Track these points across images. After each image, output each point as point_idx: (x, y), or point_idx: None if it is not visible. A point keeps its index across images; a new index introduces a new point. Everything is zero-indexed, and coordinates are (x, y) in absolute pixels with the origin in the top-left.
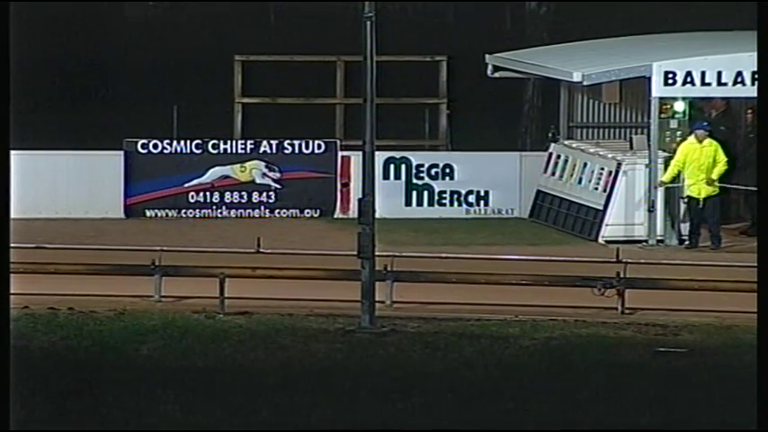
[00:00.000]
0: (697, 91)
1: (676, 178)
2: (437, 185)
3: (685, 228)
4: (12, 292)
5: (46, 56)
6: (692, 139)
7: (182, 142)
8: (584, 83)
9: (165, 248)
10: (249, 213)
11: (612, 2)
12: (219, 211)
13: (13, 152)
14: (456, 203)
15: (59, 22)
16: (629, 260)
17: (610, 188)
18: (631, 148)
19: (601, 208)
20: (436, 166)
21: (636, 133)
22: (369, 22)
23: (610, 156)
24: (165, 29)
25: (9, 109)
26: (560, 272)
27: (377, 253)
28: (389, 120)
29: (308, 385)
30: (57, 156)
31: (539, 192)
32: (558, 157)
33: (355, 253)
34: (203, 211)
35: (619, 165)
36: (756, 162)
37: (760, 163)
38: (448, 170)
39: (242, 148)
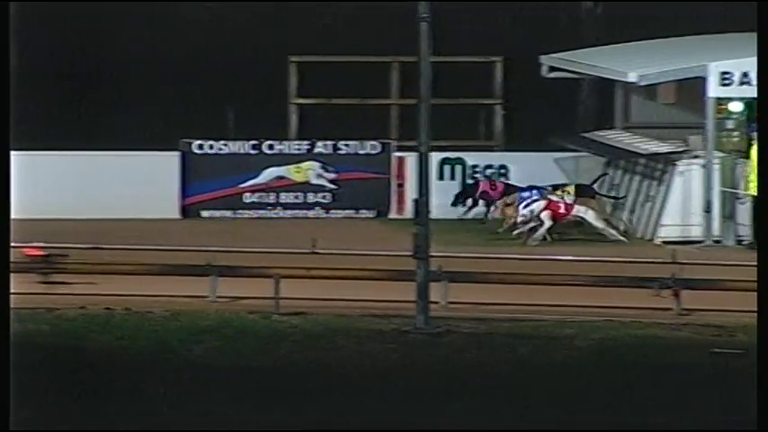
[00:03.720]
0: (753, 91)
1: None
2: None
3: (742, 228)
4: (68, 292)
5: (101, 57)
6: None
7: (237, 143)
8: (640, 83)
9: (220, 249)
10: (304, 214)
11: (669, 1)
12: (275, 211)
13: (73, 153)
14: None
15: (117, 22)
16: (686, 261)
17: (666, 189)
18: None
19: (657, 208)
20: (491, 166)
21: (692, 134)
22: (424, 23)
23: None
24: (220, 29)
25: (9, 109)
26: (616, 272)
27: (432, 253)
28: (444, 120)
29: (363, 386)
30: (114, 156)
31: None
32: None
33: (410, 253)
34: (259, 211)
35: (675, 165)
36: (757, 162)
37: (760, 163)
38: (503, 171)
39: (297, 149)
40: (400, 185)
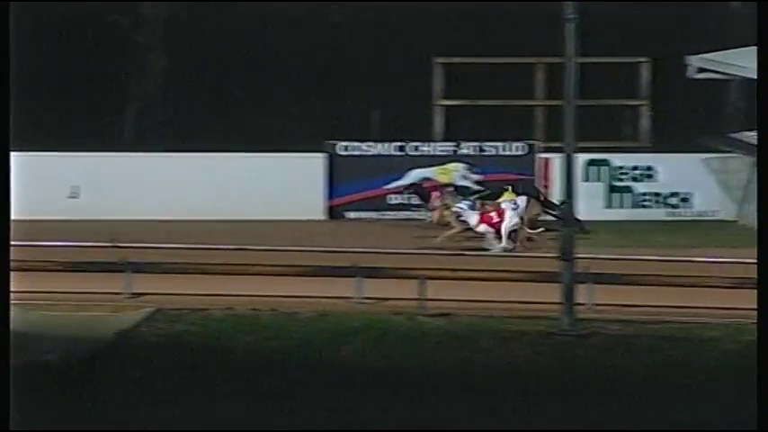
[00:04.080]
0: None
1: None
2: (638, 187)
3: None
4: (216, 293)
5: (247, 60)
6: None
7: (382, 144)
8: None
9: (365, 250)
10: None
11: None
12: (420, 212)
13: (220, 155)
14: (658, 205)
15: (263, 25)
16: None
17: None
18: None
19: None
20: (637, 167)
21: None
22: (570, 24)
23: None
24: (366, 31)
25: (9, 109)
26: None
27: (577, 255)
28: (590, 121)
29: (509, 386)
30: (260, 158)
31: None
32: None
33: (555, 255)
34: (403, 212)
35: None
36: (756, 162)
37: (760, 162)
38: (650, 172)
39: (442, 150)
40: (545, 187)
